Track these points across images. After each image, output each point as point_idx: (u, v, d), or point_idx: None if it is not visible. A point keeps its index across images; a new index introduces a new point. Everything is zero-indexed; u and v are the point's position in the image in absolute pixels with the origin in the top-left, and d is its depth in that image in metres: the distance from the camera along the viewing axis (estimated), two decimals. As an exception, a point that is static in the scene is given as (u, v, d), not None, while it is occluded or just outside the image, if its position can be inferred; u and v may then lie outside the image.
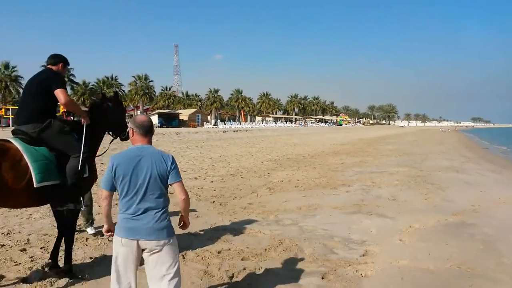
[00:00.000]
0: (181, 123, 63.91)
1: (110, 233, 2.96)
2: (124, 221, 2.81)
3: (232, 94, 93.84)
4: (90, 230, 5.85)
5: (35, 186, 3.65)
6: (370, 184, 10.57)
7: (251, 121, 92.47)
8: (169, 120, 62.67)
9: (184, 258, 4.79)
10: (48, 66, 4.29)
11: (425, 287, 4.12)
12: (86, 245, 5.26)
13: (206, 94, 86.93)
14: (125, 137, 4.91)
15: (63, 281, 4.07)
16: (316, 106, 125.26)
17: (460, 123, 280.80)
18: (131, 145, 2.99)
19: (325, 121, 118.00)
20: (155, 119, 61.77)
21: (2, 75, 54.34)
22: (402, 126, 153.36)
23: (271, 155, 18.94)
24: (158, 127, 55.93)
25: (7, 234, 5.62)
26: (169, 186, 2.88)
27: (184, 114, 69.98)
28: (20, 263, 4.53)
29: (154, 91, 74.45)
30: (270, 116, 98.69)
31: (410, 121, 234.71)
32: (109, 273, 4.28)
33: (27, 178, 3.63)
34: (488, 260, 4.88)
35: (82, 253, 4.95)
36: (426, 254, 5.05)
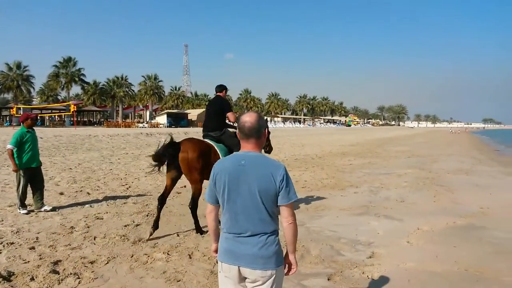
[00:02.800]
0: (190, 123, 64.22)
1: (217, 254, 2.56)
2: (224, 241, 2.36)
3: (241, 94, 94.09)
4: (22, 210, 6.76)
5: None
6: (379, 185, 10.50)
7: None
8: (178, 120, 63.05)
9: (190, 258, 4.82)
10: (217, 94, 6.75)
11: (432, 290, 4.09)
12: (94, 244, 5.30)
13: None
14: (266, 150, 7.12)
15: (71, 279, 4.11)
16: (325, 106, 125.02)
17: (471, 124, 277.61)
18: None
19: (334, 122, 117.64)
20: (164, 119, 62.21)
21: (14, 74, 55.11)
22: (412, 127, 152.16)
23: (279, 156, 18.91)
24: (167, 127, 56.27)
25: (16, 232, 5.69)
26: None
27: (193, 114, 70.32)
28: (28, 261, 4.58)
29: (163, 91, 75.02)
30: (278, 117, 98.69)
31: (420, 122, 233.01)
32: (116, 272, 4.34)
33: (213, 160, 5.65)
34: (497, 264, 4.81)
35: (90, 251, 4.99)
36: (434, 256, 5.00)
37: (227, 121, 6.78)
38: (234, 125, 6.86)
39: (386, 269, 4.58)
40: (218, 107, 6.57)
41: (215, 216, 2.47)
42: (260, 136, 2.36)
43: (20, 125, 7.07)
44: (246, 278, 2.31)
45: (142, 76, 72.35)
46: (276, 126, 75.75)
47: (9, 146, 6.68)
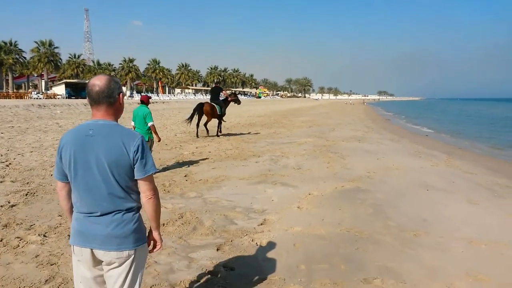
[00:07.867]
0: (92, 94, 59.75)
1: None
2: (75, 222, 2.09)
3: (148, 64, 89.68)
4: None
5: (218, 113, 14.68)
6: (279, 154, 10.81)
7: (170, 92, 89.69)
8: (78, 91, 58.15)
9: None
10: (217, 85, 15.27)
11: (315, 252, 4.28)
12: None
13: (120, 64, 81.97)
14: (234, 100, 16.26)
15: None
16: (236, 78, 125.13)
17: (368, 96, 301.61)
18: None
19: (245, 94, 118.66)
20: (61, 89, 57.11)
21: None
22: (316, 99, 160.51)
23: (186, 127, 18.45)
24: (66, 97, 51.92)
25: None
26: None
27: (96, 84, 65.42)
28: None
29: (60, 58, 68.22)
30: (189, 88, 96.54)
31: (323, 94, 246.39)
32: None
33: (216, 111, 14.57)
34: (375, 223, 5.23)
35: None
36: (320, 220, 5.27)
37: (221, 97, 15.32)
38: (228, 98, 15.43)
39: (274, 235, 4.70)
40: (218, 90, 14.98)
41: (66, 194, 2.19)
42: (113, 102, 2.08)
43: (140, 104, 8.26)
44: (102, 261, 2.09)
45: (35, 42, 64.92)
46: (187, 98, 74.10)
47: (152, 123, 7.85)
